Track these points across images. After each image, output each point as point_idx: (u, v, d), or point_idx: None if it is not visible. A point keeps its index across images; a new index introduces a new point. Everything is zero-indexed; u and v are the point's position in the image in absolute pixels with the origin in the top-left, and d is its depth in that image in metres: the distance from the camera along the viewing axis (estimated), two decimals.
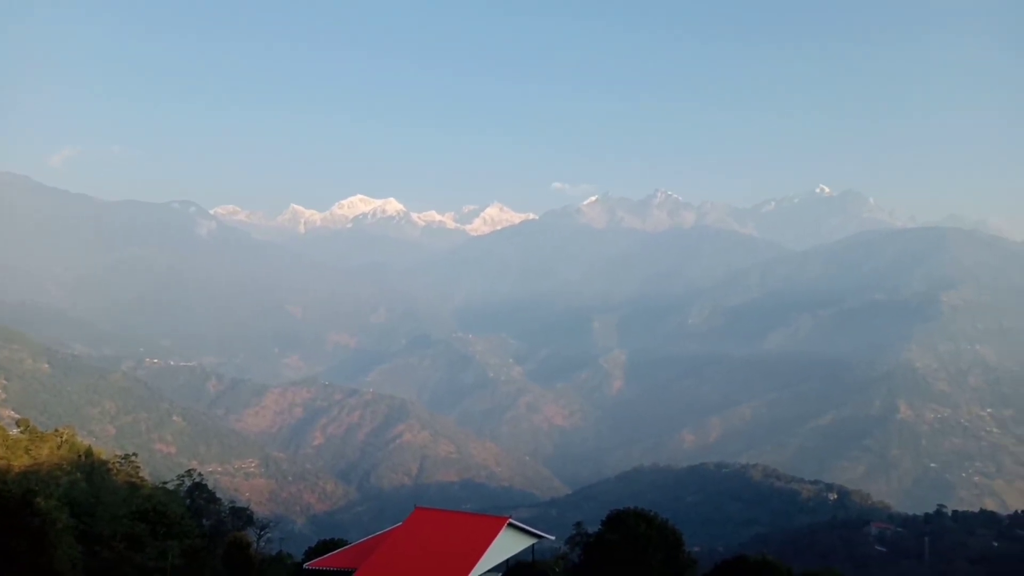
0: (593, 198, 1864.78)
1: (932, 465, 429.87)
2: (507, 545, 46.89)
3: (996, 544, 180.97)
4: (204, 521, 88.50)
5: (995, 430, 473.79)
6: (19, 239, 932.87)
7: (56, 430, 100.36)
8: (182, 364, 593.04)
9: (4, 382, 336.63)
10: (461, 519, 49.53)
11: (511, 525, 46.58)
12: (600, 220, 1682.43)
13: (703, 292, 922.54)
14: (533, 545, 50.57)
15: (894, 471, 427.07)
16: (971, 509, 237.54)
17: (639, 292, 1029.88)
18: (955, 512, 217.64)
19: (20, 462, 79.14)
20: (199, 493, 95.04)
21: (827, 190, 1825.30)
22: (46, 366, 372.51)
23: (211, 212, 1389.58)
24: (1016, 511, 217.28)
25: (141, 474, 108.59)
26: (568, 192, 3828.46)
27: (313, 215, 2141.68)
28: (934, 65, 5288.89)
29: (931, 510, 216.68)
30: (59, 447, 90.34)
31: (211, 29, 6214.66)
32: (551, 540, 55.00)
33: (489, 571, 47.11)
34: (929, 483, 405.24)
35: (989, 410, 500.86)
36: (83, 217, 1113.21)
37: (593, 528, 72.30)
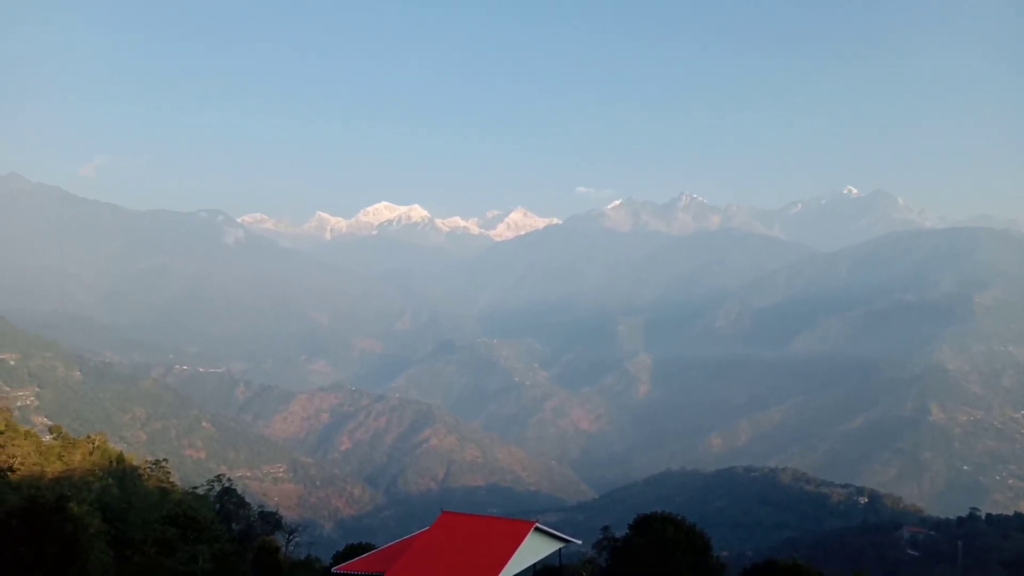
0: (617, 202, 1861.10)
1: (965, 468, 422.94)
2: (534, 549, 46.78)
3: None
4: (234, 525, 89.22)
5: None
6: (50, 248, 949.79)
7: (88, 436, 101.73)
8: (211, 371, 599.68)
9: (37, 389, 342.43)
10: (488, 523, 49.44)
11: (538, 529, 46.46)
12: (625, 224, 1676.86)
13: (729, 295, 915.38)
14: (560, 549, 50.41)
15: (926, 474, 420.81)
16: (1005, 512, 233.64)
17: (665, 295, 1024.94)
18: (989, 515, 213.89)
19: (53, 468, 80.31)
20: (228, 498, 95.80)
21: (855, 191, 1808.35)
22: (78, 374, 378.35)
23: (238, 220, 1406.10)
24: None
25: (171, 479, 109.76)
26: (593, 196, 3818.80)
27: (339, 222, 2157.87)
28: (963, 63, 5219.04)
29: (964, 513, 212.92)
30: (91, 453, 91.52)
31: (239, 38, 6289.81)
32: (578, 544, 54.83)
33: (516, 575, 47.05)
34: (962, 486, 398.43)
35: (1023, 412, 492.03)
36: (113, 226, 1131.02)
37: (620, 532, 72.01)
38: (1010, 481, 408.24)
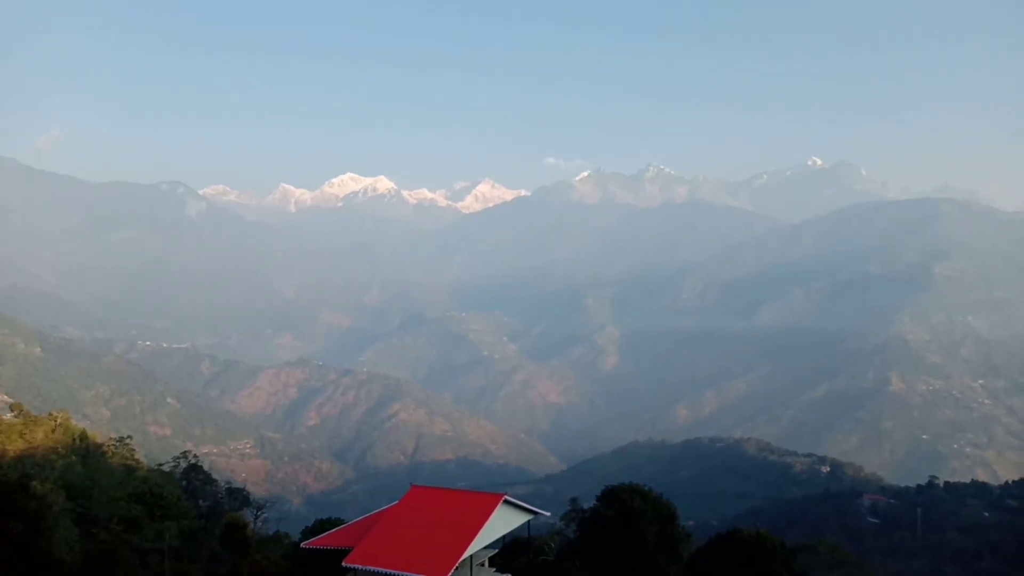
0: (585, 173, 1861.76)
1: (924, 437, 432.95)
2: (503, 522, 47.08)
3: (987, 514, 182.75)
4: (201, 502, 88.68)
5: (987, 401, 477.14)
6: (8, 223, 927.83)
7: (50, 414, 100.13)
8: (175, 346, 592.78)
9: None
10: (457, 497, 49.62)
11: (507, 502, 46.73)
12: (593, 196, 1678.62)
13: (697, 267, 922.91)
14: (529, 521, 50.81)
15: (887, 443, 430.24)
16: (963, 480, 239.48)
17: (633, 268, 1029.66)
18: (947, 483, 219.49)
19: (15, 446, 79.06)
20: (195, 474, 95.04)
21: (819, 162, 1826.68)
22: (39, 350, 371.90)
23: (200, 192, 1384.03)
24: (1007, 481, 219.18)
25: (136, 456, 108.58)
26: (562, 167, 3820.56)
27: (303, 194, 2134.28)
28: (925, 33, 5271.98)
29: (923, 481, 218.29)
30: (53, 431, 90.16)
31: (198, 7, 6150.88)
32: (547, 516, 55.20)
33: (485, 548, 47.36)
34: (921, 455, 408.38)
35: (981, 381, 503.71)
36: (72, 199, 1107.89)
37: (588, 504, 72.70)
38: (967, 449, 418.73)
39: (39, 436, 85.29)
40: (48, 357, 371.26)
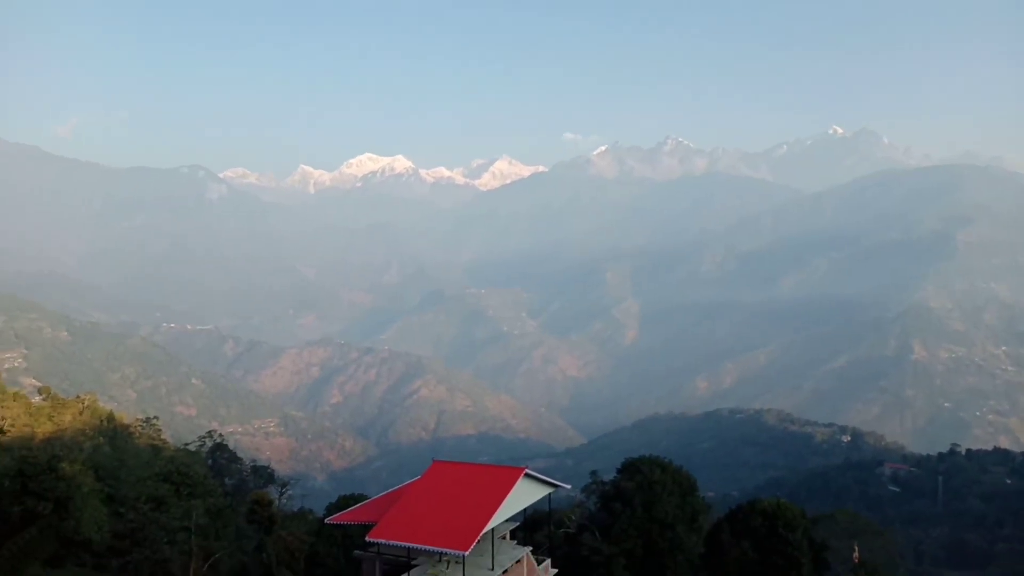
0: (603, 148, 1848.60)
1: (946, 404, 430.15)
2: (524, 495, 47.45)
3: (1009, 481, 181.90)
4: (226, 480, 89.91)
5: (1010, 368, 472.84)
6: (32, 210, 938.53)
7: (78, 396, 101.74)
8: (199, 328, 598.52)
9: (24, 351, 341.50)
10: (478, 471, 50.02)
11: (528, 475, 47.06)
12: (610, 170, 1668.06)
13: (716, 238, 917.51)
14: (550, 495, 51.18)
15: (908, 411, 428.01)
16: (985, 447, 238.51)
17: (651, 241, 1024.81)
18: (969, 451, 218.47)
19: (44, 429, 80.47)
20: (220, 453, 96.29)
21: (840, 131, 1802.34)
22: (65, 334, 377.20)
23: (220, 176, 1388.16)
24: None
25: (163, 437, 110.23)
26: (580, 143, 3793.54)
27: (322, 175, 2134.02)
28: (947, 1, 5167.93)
29: (945, 449, 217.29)
30: (81, 413, 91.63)
31: None
32: (567, 489, 55.65)
33: (507, 521, 47.80)
34: (943, 422, 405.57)
35: (1004, 348, 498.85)
36: (93, 185, 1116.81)
37: (609, 476, 73.15)
38: (990, 416, 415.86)
39: (67, 418, 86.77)
40: (75, 341, 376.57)
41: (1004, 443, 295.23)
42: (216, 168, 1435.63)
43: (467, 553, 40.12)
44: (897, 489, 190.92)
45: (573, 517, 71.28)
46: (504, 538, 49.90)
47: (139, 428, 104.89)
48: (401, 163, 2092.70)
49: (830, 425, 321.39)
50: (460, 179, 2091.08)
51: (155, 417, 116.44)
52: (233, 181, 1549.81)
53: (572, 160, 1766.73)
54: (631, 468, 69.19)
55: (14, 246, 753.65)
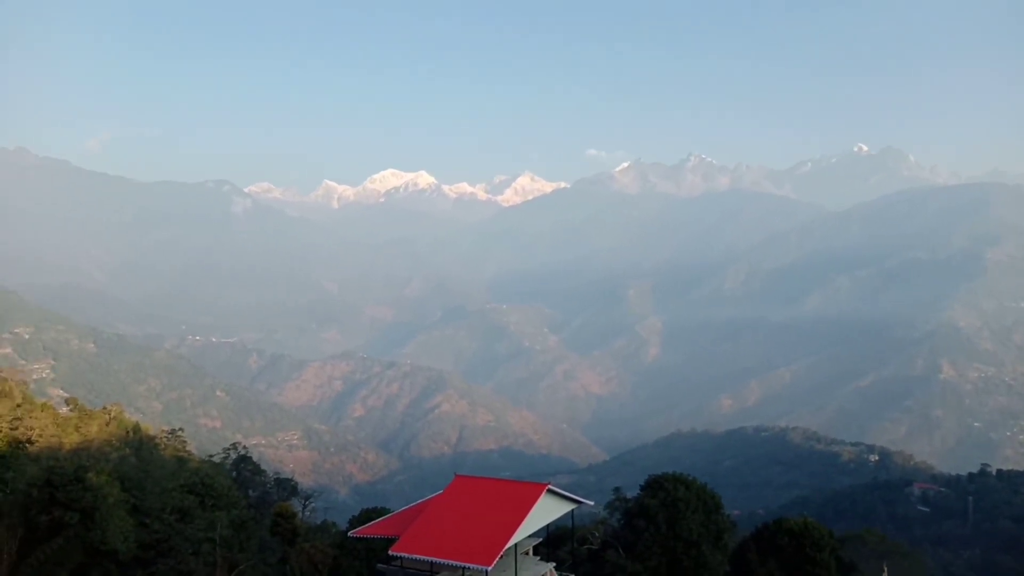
0: (625, 164, 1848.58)
1: (976, 424, 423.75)
2: (547, 511, 47.23)
3: None
4: (250, 492, 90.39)
5: None
6: (60, 222, 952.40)
7: (104, 408, 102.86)
8: (223, 341, 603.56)
9: (52, 362, 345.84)
10: (501, 486, 49.87)
11: (550, 491, 46.85)
12: (633, 186, 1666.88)
13: (739, 256, 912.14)
14: (572, 511, 50.86)
15: (937, 431, 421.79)
16: (1016, 468, 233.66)
17: (674, 258, 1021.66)
18: (999, 471, 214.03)
19: (71, 439, 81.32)
20: (244, 465, 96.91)
21: (865, 148, 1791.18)
22: (92, 346, 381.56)
23: (245, 190, 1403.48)
24: None
25: (188, 448, 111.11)
26: (604, 159, 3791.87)
27: (346, 190, 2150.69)
28: (973, 19, 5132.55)
29: (975, 470, 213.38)
30: (108, 424, 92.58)
31: (244, 6, 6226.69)
32: (590, 506, 55.32)
33: (530, 536, 47.54)
34: (973, 443, 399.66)
35: None
36: (121, 199, 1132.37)
37: (631, 493, 72.63)
38: (1021, 437, 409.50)
39: (94, 429, 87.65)
40: (101, 352, 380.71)
41: None
42: (241, 183, 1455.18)
43: (490, 568, 39.96)
44: (926, 510, 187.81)
45: (596, 534, 70.75)
46: (527, 554, 49.63)
47: (164, 439, 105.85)
48: (424, 179, 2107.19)
49: (857, 444, 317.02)
50: (482, 195, 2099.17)
51: (180, 429, 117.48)
52: (258, 196, 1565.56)
53: (594, 176, 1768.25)
54: (654, 485, 68.62)
55: (43, 259, 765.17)
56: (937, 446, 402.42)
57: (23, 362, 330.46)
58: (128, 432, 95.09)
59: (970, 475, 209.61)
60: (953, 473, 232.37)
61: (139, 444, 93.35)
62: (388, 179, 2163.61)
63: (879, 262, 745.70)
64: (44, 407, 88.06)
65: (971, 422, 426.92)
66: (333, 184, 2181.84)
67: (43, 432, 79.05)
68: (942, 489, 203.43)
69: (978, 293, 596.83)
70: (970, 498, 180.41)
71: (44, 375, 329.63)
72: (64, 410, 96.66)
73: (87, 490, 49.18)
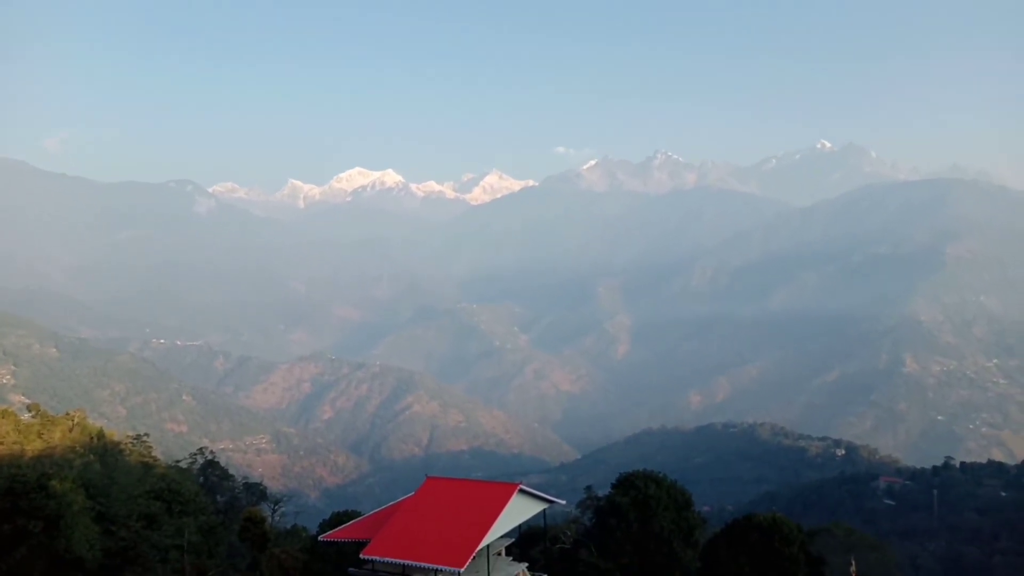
0: (593, 162, 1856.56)
1: (939, 418, 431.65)
2: (519, 511, 47.20)
3: (1004, 494, 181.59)
4: (218, 498, 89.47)
5: (1001, 381, 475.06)
6: (19, 225, 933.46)
7: (67, 413, 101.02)
8: (189, 344, 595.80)
9: (13, 368, 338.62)
10: (472, 487, 49.81)
11: (522, 491, 46.84)
12: (601, 184, 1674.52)
13: (706, 253, 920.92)
14: (544, 510, 50.88)
15: (901, 425, 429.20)
16: (979, 460, 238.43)
17: (642, 255, 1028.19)
18: (963, 464, 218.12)
19: (33, 446, 79.82)
20: (212, 470, 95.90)
21: (828, 145, 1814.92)
22: (54, 350, 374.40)
23: (209, 190, 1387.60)
24: None
25: (154, 454, 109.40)
26: (572, 156, 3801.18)
27: (312, 189, 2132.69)
28: (932, 14, 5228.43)
29: (939, 463, 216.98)
30: (71, 430, 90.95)
31: (204, 3, 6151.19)
32: (562, 505, 55.45)
33: (501, 537, 47.46)
34: (936, 436, 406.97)
35: (995, 361, 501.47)
36: (82, 200, 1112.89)
37: (603, 491, 72.93)
38: (983, 429, 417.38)
39: (57, 436, 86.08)
40: (63, 357, 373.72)
41: (997, 456, 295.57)
42: (205, 183, 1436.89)
43: (462, 570, 39.85)
44: (892, 503, 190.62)
45: (568, 533, 70.93)
46: (499, 554, 49.55)
47: (130, 445, 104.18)
48: (391, 177, 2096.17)
49: (824, 439, 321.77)
50: (451, 193, 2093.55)
51: (146, 434, 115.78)
52: (222, 196, 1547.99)
53: (562, 174, 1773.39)
54: (626, 483, 68.99)
55: (2, 261, 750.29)
56: (902, 440, 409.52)
57: None
58: (92, 438, 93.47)
59: (934, 468, 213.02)
60: (918, 466, 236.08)
61: (104, 450, 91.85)
62: (355, 178, 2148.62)
63: (843, 258, 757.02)
64: (5, 413, 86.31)
65: (934, 415, 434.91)
66: (299, 183, 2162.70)
67: (4, 439, 77.57)
68: (907, 482, 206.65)
69: (939, 287, 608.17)
70: (935, 491, 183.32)
71: (5, 381, 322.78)
72: (26, 416, 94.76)
73: (51, 498, 48.33)
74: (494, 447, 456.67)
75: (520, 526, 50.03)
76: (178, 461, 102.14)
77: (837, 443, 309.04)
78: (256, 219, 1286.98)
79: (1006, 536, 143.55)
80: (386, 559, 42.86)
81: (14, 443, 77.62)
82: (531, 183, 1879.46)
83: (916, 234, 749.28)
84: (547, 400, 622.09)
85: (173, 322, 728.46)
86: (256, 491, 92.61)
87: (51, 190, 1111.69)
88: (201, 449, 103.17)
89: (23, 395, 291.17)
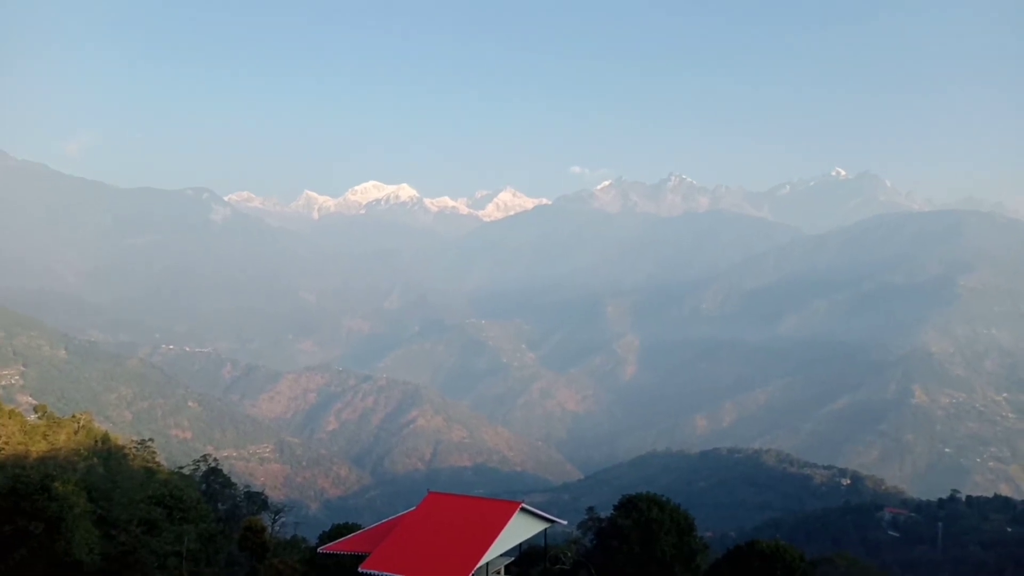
0: (607, 183, 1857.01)
1: (947, 450, 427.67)
2: (520, 530, 47.14)
3: (1010, 529, 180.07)
4: (219, 506, 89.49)
5: (1011, 415, 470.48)
6: (36, 226, 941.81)
7: (73, 416, 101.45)
8: (197, 350, 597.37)
9: (22, 368, 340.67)
10: (474, 504, 49.76)
11: (524, 510, 46.78)
12: (614, 205, 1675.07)
13: (717, 276, 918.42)
14: (546, 530, 50.81)
15: (908, 456, 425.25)
16: (986, 494, 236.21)
17: (653, 277, 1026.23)
18: (969, 497, 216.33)
19: (38, 448, 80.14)
20: (215, 478, 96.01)
21: (843, 173, 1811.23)
22: (63, 352, 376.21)
23: (225, 199, 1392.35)
24: None
25: (157, 459, 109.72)
26: (587, 176, 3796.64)
27: (327, 201, 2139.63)
28: (950, 44, 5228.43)
29: (945, 495, 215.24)
30: (76, 433, 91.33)
31: (226, 13, 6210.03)
32: (563, 525, 55.25)
33: (501, 555, 47.37)
34: (944, 468, 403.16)
35: (1005, 395, 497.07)
36: (99, 204, 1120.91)
37: (605, 513, 72.49)
38: (991, 463, 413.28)
39: (62, 438, 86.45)
40: (72, 359, 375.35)
41: (1005, 490, 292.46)
42: (221, 191, 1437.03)
43: None
44: (896, 534, 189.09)
45: (569, 553, 70.43)
46: (499, 573, 49.43)
47: (133, 450, 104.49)
48: (406, 191, 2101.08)
49: (829, 467, 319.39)
50: (464, 209, 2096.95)
51: (150, 439, 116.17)
52: (238, 204, 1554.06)
53: (575, 193, 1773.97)
54: (628, 505, 68.56)
55: (17, 262, 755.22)
56: (908, 471, 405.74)
57: None
58: (97, 441, 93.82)
59: (940, 500, 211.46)
60: (924, 498, 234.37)
61: (108, 454, 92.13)
62: (369, 191, 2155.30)
63: (855, 285, 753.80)
64: (12, 414, 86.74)
65: (942, 447, 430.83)
66: (314, 194, 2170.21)
67: (10, 440, 77.91)
68: (912, 514, 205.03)
69: (951, 319, 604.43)
70: (940, 524, 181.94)
71: (13, 381, 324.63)
72: (32, 417, 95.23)
73: (53, 500, 48.43)
74: (497, 464, 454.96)
75: (521, 545, 49.92)
76: (181, 467, 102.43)
77: (843, 472, 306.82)
78: (270, 228, 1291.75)
79: (1011, 571, 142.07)
80: (385, 573, 42.77)
81: (19, 444, 77.97)
82: (544, 201, 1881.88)
83: (929, 264, 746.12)
84: (552, 419, 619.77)
85: (183, 328, 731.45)
86: (257, 500, 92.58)
87: (69, 193, 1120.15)
88: (204, 456, 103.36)
89: (31, 396, 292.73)
